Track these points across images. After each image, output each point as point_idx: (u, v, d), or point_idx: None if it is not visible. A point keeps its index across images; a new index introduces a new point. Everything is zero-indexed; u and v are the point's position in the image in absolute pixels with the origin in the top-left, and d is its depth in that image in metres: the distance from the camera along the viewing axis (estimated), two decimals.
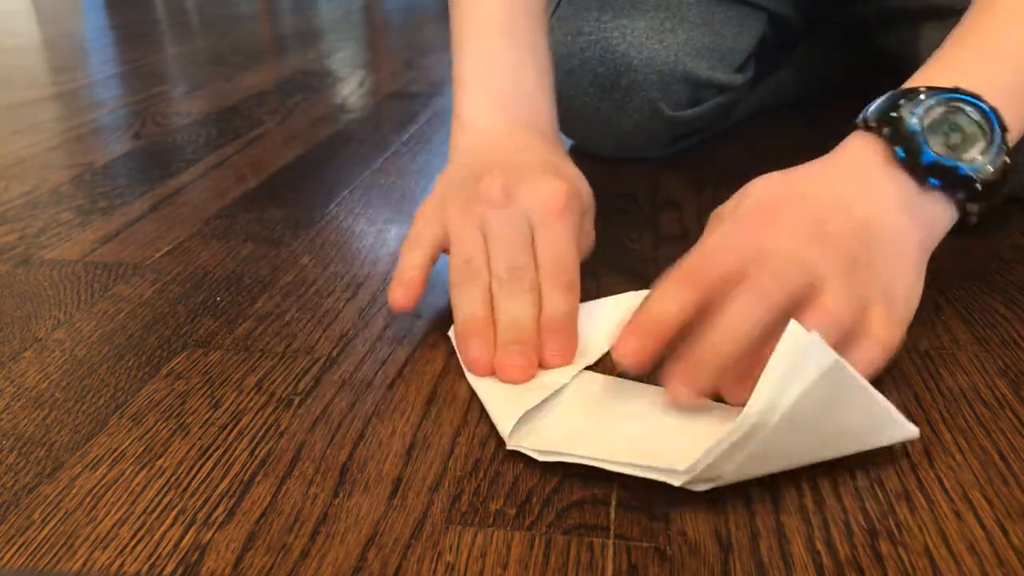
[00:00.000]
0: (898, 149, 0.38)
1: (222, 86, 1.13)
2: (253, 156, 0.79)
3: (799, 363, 0.30)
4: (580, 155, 0.77)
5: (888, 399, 0.38)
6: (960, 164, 0.38)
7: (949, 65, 0.42)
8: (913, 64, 0.44)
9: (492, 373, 0.39)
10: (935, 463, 0.34)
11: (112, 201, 0.67)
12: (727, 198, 0.42)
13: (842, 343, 0.35)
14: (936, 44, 0.46)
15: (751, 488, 0.32)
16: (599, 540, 0.30)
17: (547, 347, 0.40)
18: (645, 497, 0.32)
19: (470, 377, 0.40)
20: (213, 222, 0.62)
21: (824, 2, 0.80)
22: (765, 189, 0.40)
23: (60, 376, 0.41)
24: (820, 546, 0.29)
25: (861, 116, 0.41)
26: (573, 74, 0.68)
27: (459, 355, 0.41)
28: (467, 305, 0.42)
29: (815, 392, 0.30)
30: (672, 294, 0.35)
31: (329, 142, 0.83)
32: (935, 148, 0.38)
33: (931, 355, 0.42)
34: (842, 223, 0.38)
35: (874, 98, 0.42)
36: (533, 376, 0.39)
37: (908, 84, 0.41)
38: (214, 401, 0.39)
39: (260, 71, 1.24)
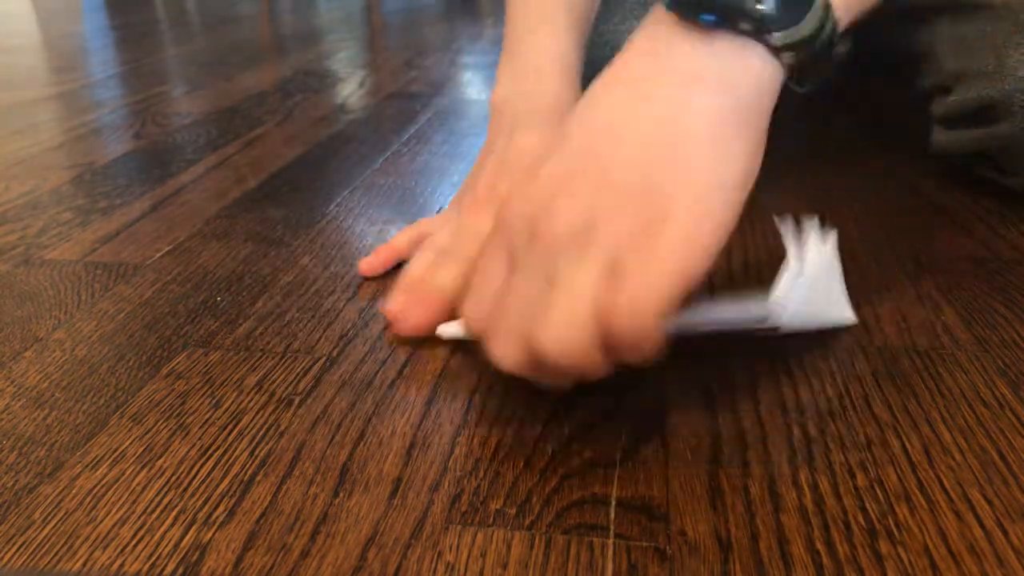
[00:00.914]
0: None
1: (222, 86, 1.13)
2: (253, 156, 0.79)
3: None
4: None
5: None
6: None
7: None
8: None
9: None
10: (935, 463, 0.34)
11: (112, 201, 0.67)
12: None
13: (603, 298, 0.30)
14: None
15: (751, 488, 0.32)
16: (599, 540, 0.30)
17: None
18: (645, 497, 0.32)
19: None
20: (213, 222, 0.62)
21: None
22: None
23: (60, 376, 0.41)
24: (820, 546, 0.29)
25: None
26: (584, 78, 0.67)
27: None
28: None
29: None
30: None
31: (329, 142, 0.84)
32: None
33: (931, 355, 0.42)
34: (591, 166, 0.32)
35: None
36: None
37: None
38: (214, 401, 0.39)
39: (260, 71, 1.24)
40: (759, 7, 0.31)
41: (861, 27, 0.38)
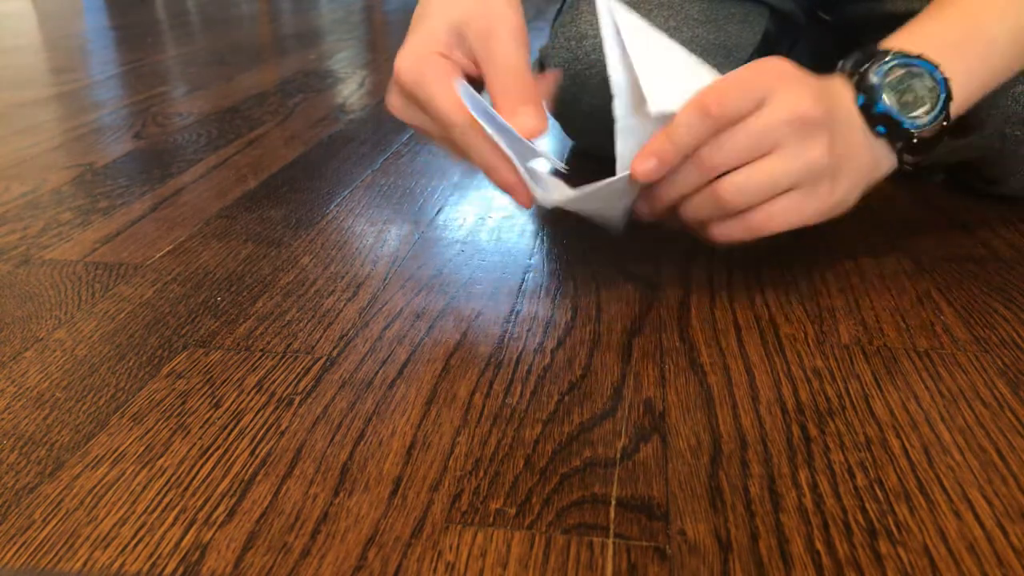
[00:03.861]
0: (859, 96, 0.45)
1: (222, 86, 1.13)
2: (254, 156, 0.79)
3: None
4: (587, 158, 0.78)
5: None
6: (904, 119, 0.45)
7: (921, 33, 0.47)
8: None
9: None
10: (935, 463, 0.34)
11: (113, 201, 0.67)
12: None
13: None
14: None
15: (751, 488, 0.32)
16: (599, 540, 0.30)
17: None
18: (645, 497, 0.32)
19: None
20: (214, 222, 0.62)
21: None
22: (777, 62, 0.46)
23: (61, 376, 0.41)
24: (820, 546, 0.29)
25: (841, 64, 0.47)
26: (579, 79, 0.67)
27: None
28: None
29: None
30: (689, 126, 0.42)
31: (329, 142, 0.84)
32: (888, 101, 0.45)
33: (931, 355, 0.42)
34: (834, 107, 0.44)
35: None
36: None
37: (883, 43, 0.47)
38: (215, 401, 0.39)
39: (260, 71, 1.24)
40: (914, 140, 0.45)
41: (850, 32, 0.41)
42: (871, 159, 0.46)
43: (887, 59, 0.45)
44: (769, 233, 0.44)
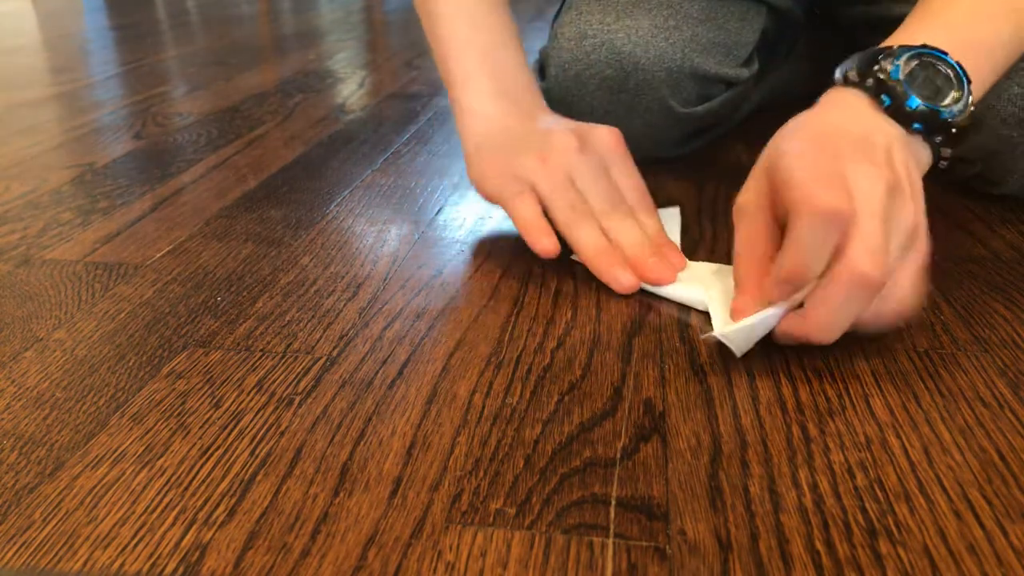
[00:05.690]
0: (884, 97, 0.43)
1: (222, 86, 1.13)
2: (254, 156, 0.79)
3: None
4: None
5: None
6: (941, 109, 0.43)
7: (915, 29, 0.47)
8: None
9: (635, 289, 0.49)
10: (935, 463, 0.34)
11: (113, 201, 0.67)
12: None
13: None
14: None
15: (751, 488, 0.32)
16: (599, 539, 0.30)
17: (667, 257, 0.50)
18: (645, 497, 0.32)
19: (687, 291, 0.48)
20: (214, 222, 0.62)
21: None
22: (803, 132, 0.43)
23: (61, 376, 0.41)
24: (819, 546, 0.29)
25: (840, 74, 0.45)
26: (580, 78, 0.67)
27: (607, 281, 0.50)
28: (591, 239, 0.51)
29: None
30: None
31: (329, 142, 0.84)
32: (918, 95, 0.43)
33: (931, 355, 0.42)
34: (879, 155, 0.41)
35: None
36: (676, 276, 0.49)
37: (880, 46, 0.45)
38: (215, 401, 0.39)
39: (260, 71, 1.24)
40: (952, 130, 0.43)
41: (848, 33, 0.40)
42: (914, 157, 0.43)
43: (896, 54, 0.43)
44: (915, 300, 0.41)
